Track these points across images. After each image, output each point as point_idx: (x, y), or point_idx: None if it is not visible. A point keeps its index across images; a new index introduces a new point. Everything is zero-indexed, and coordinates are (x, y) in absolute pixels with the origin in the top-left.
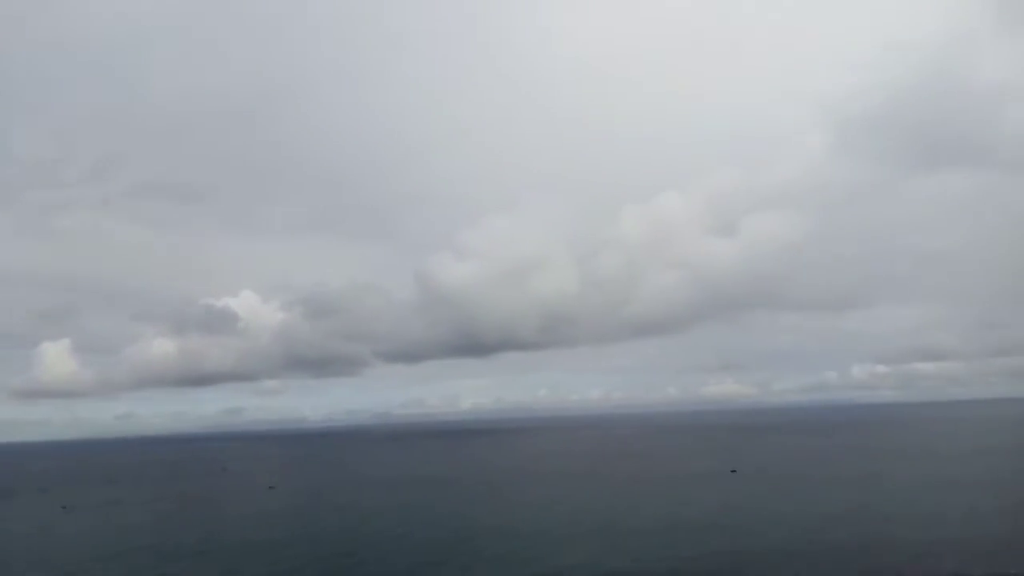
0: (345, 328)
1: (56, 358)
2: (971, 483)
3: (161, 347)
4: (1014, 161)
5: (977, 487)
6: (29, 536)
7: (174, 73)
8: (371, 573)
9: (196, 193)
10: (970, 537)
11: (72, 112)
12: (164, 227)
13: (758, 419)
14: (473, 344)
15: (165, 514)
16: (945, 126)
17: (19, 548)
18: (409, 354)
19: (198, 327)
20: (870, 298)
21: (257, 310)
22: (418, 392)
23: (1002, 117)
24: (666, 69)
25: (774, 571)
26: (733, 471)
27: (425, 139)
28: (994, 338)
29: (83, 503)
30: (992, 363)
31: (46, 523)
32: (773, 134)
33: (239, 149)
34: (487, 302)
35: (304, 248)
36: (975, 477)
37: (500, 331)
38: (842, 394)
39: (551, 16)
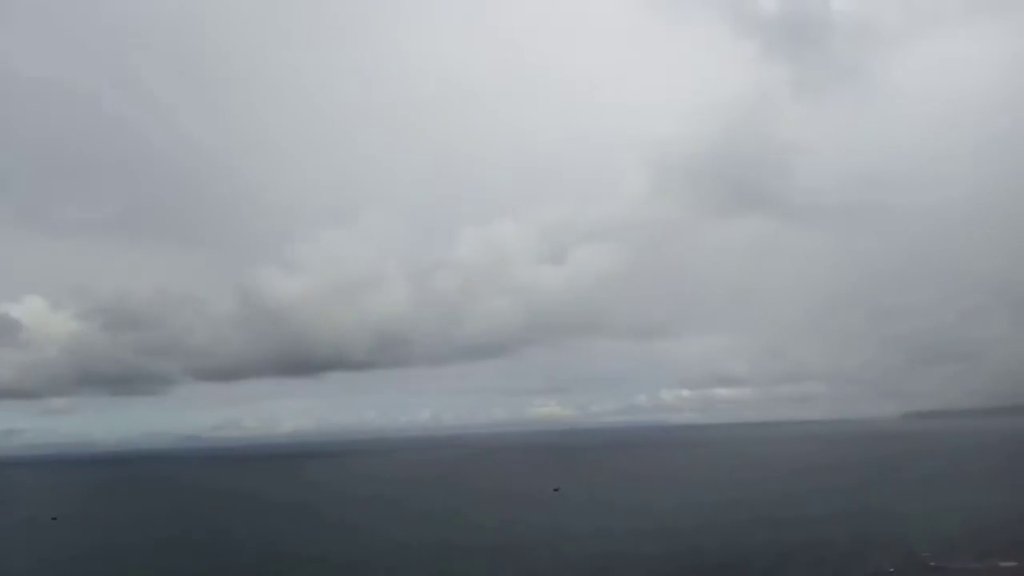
0: (152, 342)
1: None
2: (760, 496)
3: None
4: (801, 209)
5: (767, 499)
6: None
7: None
8: None
9: None
10: (764, 545)
11: None
12: None
13: (578, 439)
14: (298, 363)
15: None
16: (747, 176)
17: None
18: (225, 372)
19: None
20: (678, 328)
21: (45, 319)
22: (233, 413)
23: (793, 171)
24: (511, 99)
25: None
26: (556, 490)
27: (256, 141)
28: (780, 366)
29: None
30: (778, 389)
31: None
32: (603, 171)
33: (32, 137)
34: (316, 319)
35: (107, 251)
36: (763, 490)
37: (328, 350)
38: (652, 416)
39: (410, 32)
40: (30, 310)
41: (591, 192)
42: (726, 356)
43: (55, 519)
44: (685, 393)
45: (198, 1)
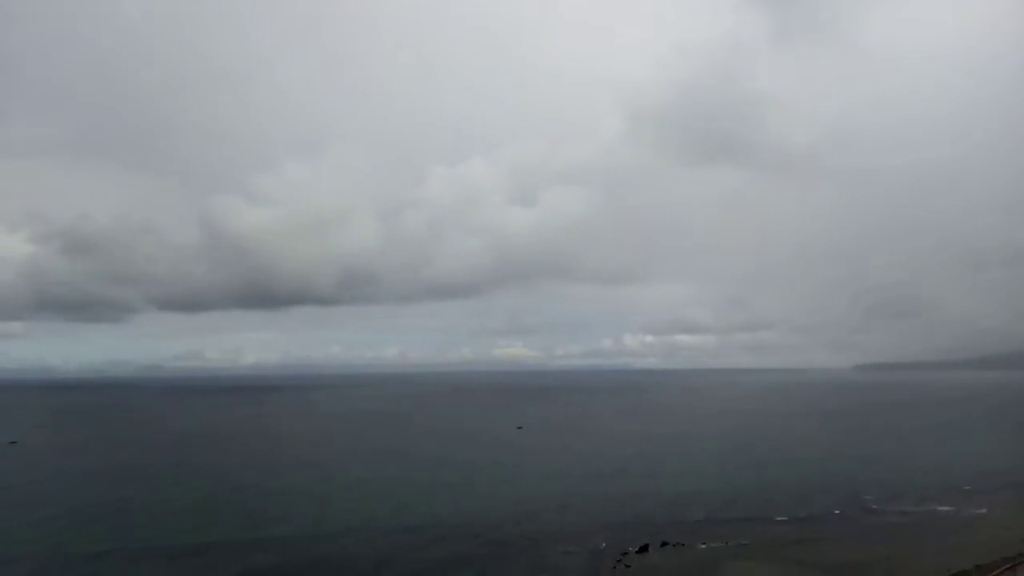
0: (111, 269)
1: None
2: (715, 441)
3: None
4: (770, 162)
5: (721, 445)
6: None
7: None
8: (128, 541)
9: None
10: (716, 488)
11: None
12: None
13: (542, 381)
14: (262, 296)
15: None
16: (717, 126)
17: None
18: (187, 302)
19: None
20: (644, 274)
21: None
22: (196, 344)
23: (765, 123)
24: (487, 38)
25: (554, 520)
26: (519, 428)
27: (223, 66)
28: (740, 316)
29: None
30: (738, 337)
31: None
32: (575, 114)
33: None
34: (281, 252)
35: (64, 173)
36: (718, 435)
37: (294, 284)
38: (616, 360)
39: None
40: None
41: (564, 134)
42: (690, 304)
43: (14, 443)
44: (648, 339)
45: None
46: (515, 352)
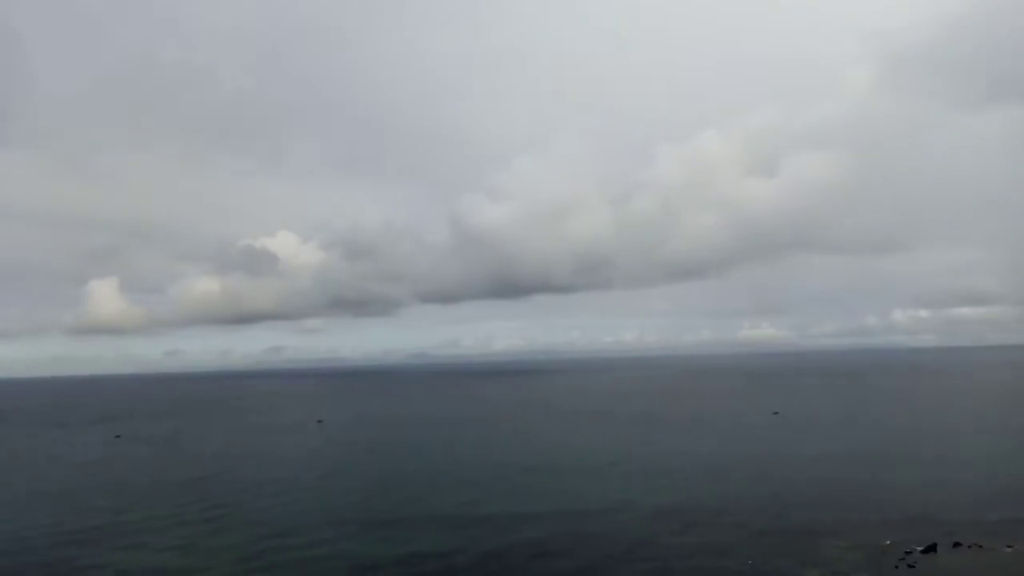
0: (382, 269)
1: (104, 296)
2: (1007, 430)
3: (205, 286)
4: None
5: (1012, 433)
6: (84, 464)
7: (209, 12)
8: (415, 509)
9: (235, 135)
10: (1003, 484)
11: (109, 53)
12: (204, 168)
13: (796, 363)
14: (507, 286)
15: (217, 444)
16: (1000, 61)
17: (76, 474)
18: (444, 295)
19: (239, 267)
20: (912, 240)
21: (296, 251)
22: (453, 333)
23: None
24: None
25: (823, 512)
26: (775, 414)
27: (457, 78)
28: None
29: (136, 433)
30: None
31: (100, 452)
32: (816, 70)
33: (276, 90)
34: (520, 244)
35: (340, 189)
36: (1010, 423)
37: (534, 273)
38: (883, 339)
39: None
40: (283, 243)
41: (805, 94)
42: (972, 271)
43: (320, 422)
44: (922, 313)
45: None
46: (761, 333)
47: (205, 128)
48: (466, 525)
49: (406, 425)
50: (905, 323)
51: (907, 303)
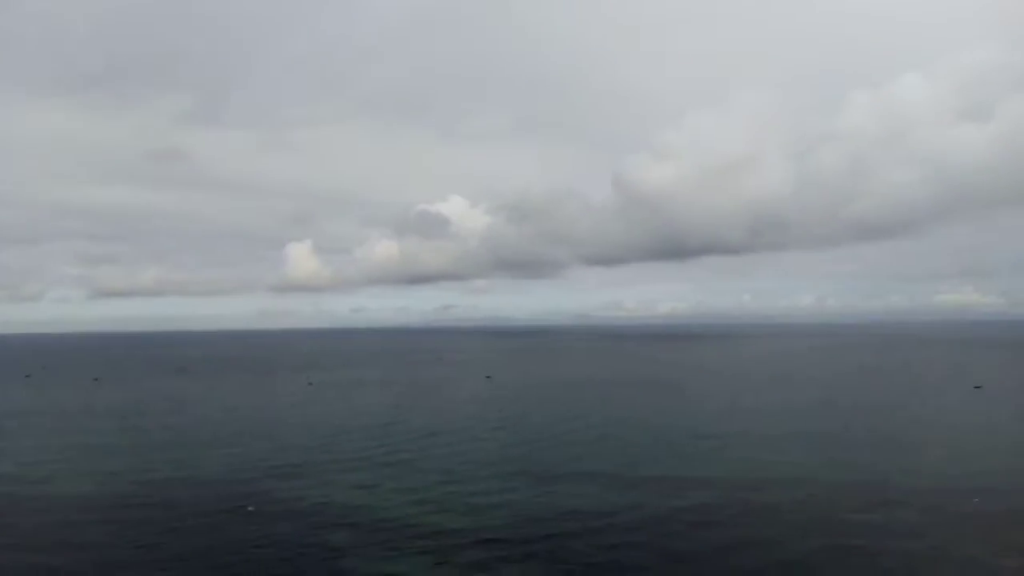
0: (547, 232)
1: (300, 257)
2: None
3: (385, 248)
4: None
5: None
6: (284, 406)
7: None
8: (579, 466)
9: (412, 107)
10: None
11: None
12: (386, 139)
13: (1004, 333)
14: (672, 248)
15: (397, 395)
16: None
17: (278, 416)
18: (607, 257)
19: (415, 230)
20: None
21: (466, 214)
22: (616, 295)
23: None
24: None
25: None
26: (977, 388)
27: (622, 37)
28: None
29: (326, 381)
30: None
31: (298, 396)
32: None
33: (446, 64)
34: (687, 204)
35: (506, 154)
36: None
37: (702, 234)
38: None
39: None
40: (454, 207)
41: None
42: None
43: (489, 378)
44: None
45: None
46: (963, 298)
47: (389, 101)
48: (629, 486)
49: (570, 385)
50: None
51: None
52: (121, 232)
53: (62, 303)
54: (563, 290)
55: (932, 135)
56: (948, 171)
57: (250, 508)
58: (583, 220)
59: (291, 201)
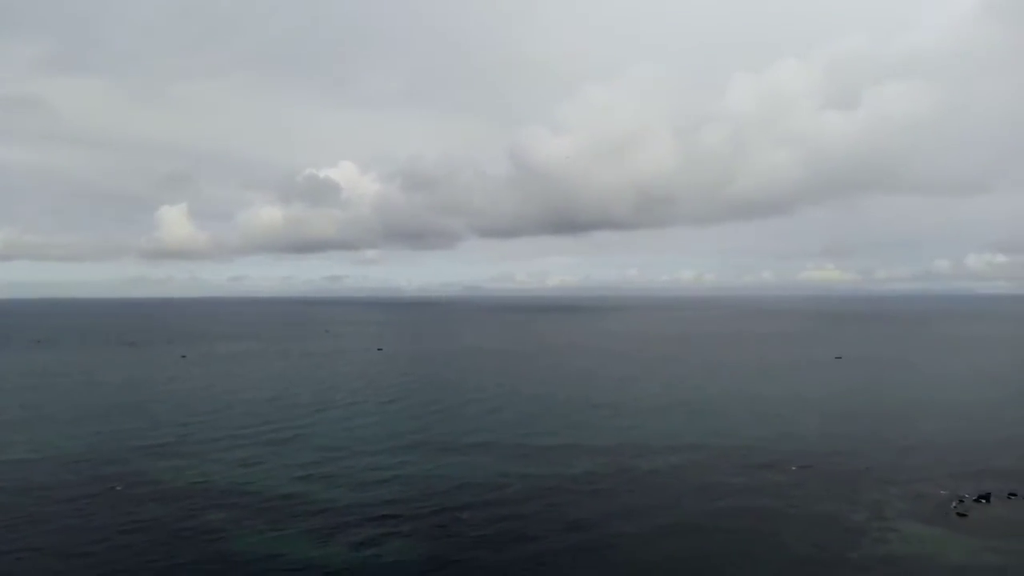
0: (441, 201)
1: (175, 222)
2: None
3: (269, 214)
4: None
5: None
6: (156, 381)
7: None
8: (471, 437)
9: (300, 64)
10: None
11: None
12: (271, 97)
13: (860, 307)
14: (565, 222)
15: (282, 368)
16: None
17: (148, 390)
18: (502, 230)
19: (302, 196)
20: (996, 181)
21: (357, 181)
22: (508, 267)
23: None
24: None
25: (877, 458)
26: (838, 358)
27: (523, 7)
28: None
29: (201, 354)
30: None
31: (171, 370)
32: None
33: (338, 21)
34: (582, 179)
35: (400, 120)
36: None
37: (594, 209)
38: (953, 284)
39: None
40: (344, 173)
41: (896, 20)
42: None
43: (380, 350)
44: (999, 259)
45: None
46: (826, 275)
47: (274, 56)
48: (520, 456)
49: (463, 356)
50: (979, 268)
51: (983, 247)
52: None
53: None
54: (455, 262)
55: (805, 119)
56: (817, 154)
57: (118, 488)
58: (477, 191)
59: (165, 160)
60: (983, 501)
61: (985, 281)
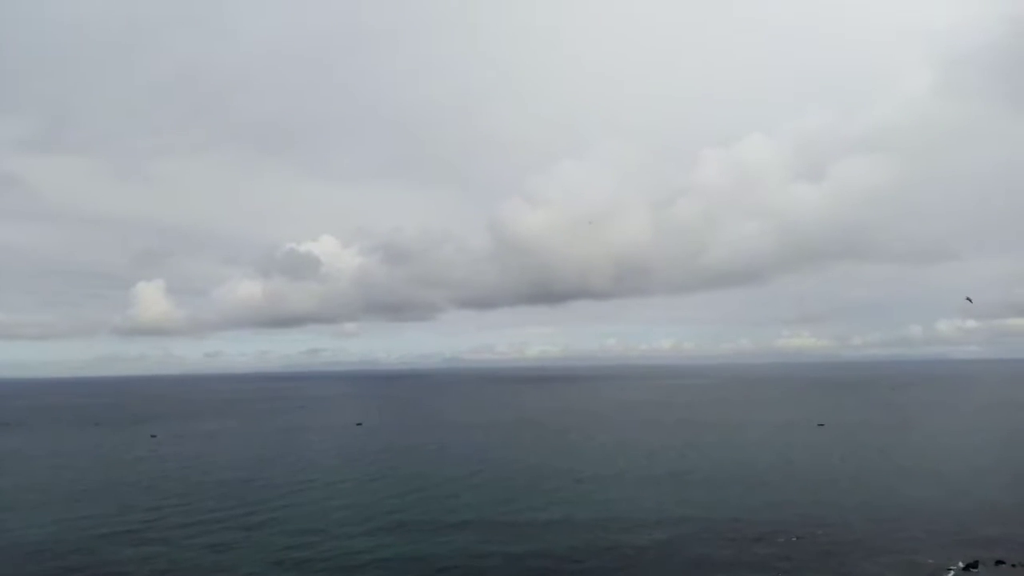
0: (420, 274)
1: (151, 298)
2: None
3: (247, 289)
4: None
5: None
6: (123, 462)
7: (256, 25)
8: (449, 514)
9: (279, 141)
10: None
11: (164, 62)
12: (250, 174)
13: (836, 373)
14: (544, 292)
15: (257, 446)
16: None
17: (114, 472)
18: (481, 301)
19: (282, 270)
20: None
21: (337, 255)
22: (487, 338)
23: None
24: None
25: (860, 527)
26: (820, 425)
27: (494, 84)
28: None
29: (172, 433)
30: None
31: (138, 451)
32: (873, 72)
33: (316, 98)
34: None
35: (380, 194)
36: None
37: (571, 280)
38: (925, 350)
39: None
40: (325, 248)
41: (858, 97)
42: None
43: (359, 424)
44: (970, 324)
45: None
46: (801, 342)
47: (250, 135)
48: (501, 532)
49: (442, 429)
50: (950, 334)
51: (953, 313)
52: None
53: None
54: (435, 333)
55: (774, 192)
56: (787, 225)
57: (77, 574)
58: (457, 263)
59: (141, 236)
60: (972, 569)
61: (958, 346)
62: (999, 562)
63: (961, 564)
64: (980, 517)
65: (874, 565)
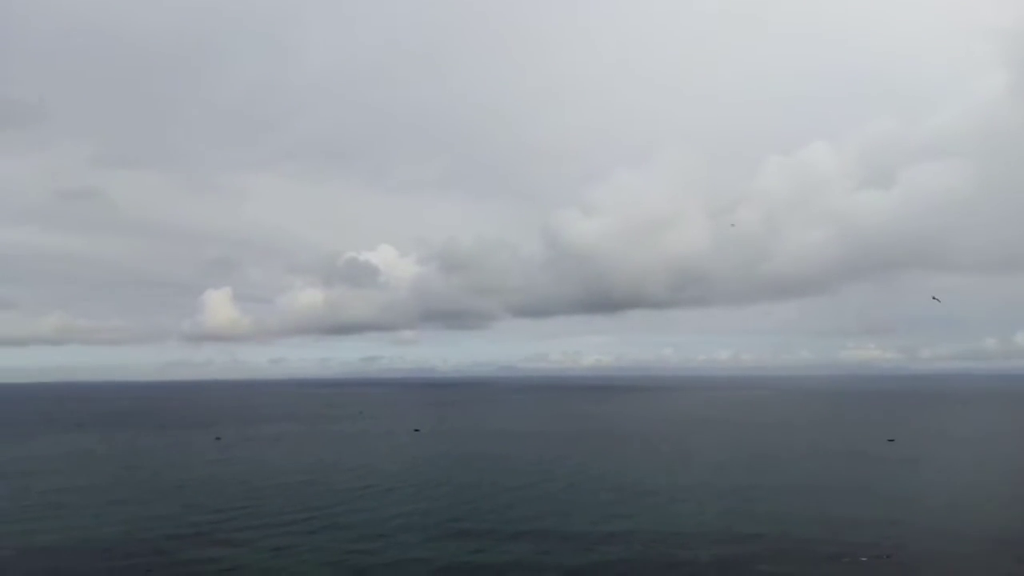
0: (476, 282)
1: (218, 305)
2: None
3: (309, 297)
4: None
5: None
6: (190, 464)
7: (318, 47)
8: (505, 522)
9: (339, 155)
10: None
11: (234, 82)
12: (312, 186)
13: (904, 386)
14: (599, 301)
15: (317, 450)
16: None
17: (186, 474)
18: (536, 309)
19: (342, 279)
20: None
21: (395, 263)
22: (542, 347)
23: None
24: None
25: (946, 552)
26: (890, 440)
27: (552, 94)
28: None
29: (236, 436)
30: None
31: (204, 453)
32: (941, 75)
33: (374, 113)
34: (615, 259)
35: (436, 204)
36: None
37: (628, 288)
38: (1003, 363)
39: None
40: (383, 257)
41: (927, 101)
42: None
43: (417, 431)
44: None
45: None
46: (866, 354)
47: (315, 149)
48: (556, 541)
49: (498, 437)
50: None
51: None
52: (18, 275)
53: None
54: (490, 341)
55: (839, 199)
56: (853, 233)
57: (149, 572)
58: (512, 272)
59: (210, 247)
60: None
61: None
62: None
63: None
64: None
65: None
